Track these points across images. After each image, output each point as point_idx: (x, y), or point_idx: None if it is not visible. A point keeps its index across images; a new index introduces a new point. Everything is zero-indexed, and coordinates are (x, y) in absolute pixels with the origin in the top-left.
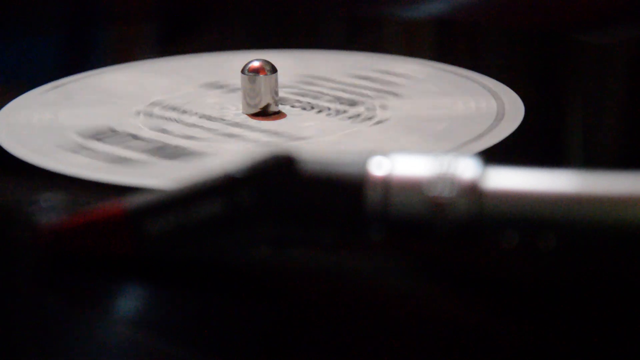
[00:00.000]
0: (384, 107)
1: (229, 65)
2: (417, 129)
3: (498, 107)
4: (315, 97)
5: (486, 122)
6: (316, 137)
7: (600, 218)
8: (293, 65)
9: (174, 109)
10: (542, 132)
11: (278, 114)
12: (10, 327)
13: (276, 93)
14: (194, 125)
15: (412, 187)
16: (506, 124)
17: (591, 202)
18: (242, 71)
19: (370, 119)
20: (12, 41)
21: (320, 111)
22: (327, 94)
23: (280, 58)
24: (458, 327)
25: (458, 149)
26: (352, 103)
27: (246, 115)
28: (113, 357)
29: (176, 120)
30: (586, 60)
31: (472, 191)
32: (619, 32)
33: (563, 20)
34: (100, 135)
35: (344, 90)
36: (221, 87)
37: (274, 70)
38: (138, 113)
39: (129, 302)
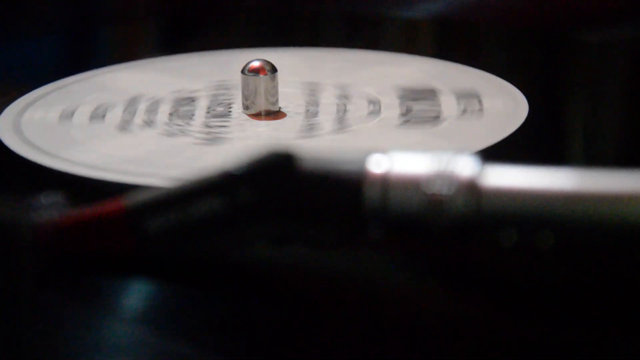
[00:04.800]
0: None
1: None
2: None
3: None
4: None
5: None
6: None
7: (599, 216)
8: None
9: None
10: (542, 131)
11: (277, 114)
12: (11, 326)
13: (276, 93)
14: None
15: (411, 185)
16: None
17: (590, 200)
18: (242, 71)
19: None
20: (14, 41)
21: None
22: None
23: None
24: (456, 324)
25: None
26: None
27: (246, 115)
28: (113, 354)
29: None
30: (586, 60)
31: (471, 189)
32: (619, 32)
33: (563, 19)
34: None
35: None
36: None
37: (274, 70)
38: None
39: (129, 300)
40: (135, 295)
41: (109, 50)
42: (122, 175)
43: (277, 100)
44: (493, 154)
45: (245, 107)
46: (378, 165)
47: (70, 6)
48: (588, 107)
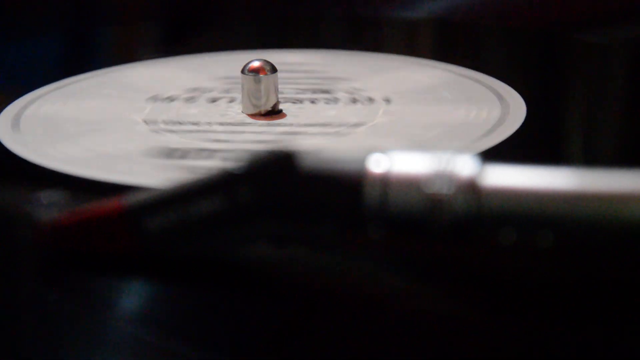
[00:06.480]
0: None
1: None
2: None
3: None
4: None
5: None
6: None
7: (599, 216)
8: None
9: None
10: (543, 131)
11: (279, 114)
12: (12, 325)
13: (277, 93)
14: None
15: (411, 185)
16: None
17: (590, 200)
18: (243, 71)
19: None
20: (14, 42)
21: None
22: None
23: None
24: (456, 324)
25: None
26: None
27: (247, 116)
28: (112, 354)
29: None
30: (587, 60)
31: (470, 188)
32: (619, 32)
33: (563, 20)
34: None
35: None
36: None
37: (274, 70)
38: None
39: (129, 299)
40: (135, 294)
41: (108, 50)
42: None
43: (277, 101)
44: (492, 154)
45: (245, 107)
46: (378, 164)
47: (69, 6)
48: (588, 107)
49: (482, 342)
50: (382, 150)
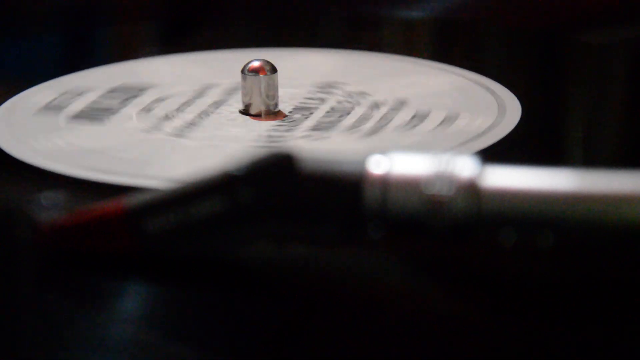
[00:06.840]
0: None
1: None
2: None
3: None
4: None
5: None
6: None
7: (599, 216)
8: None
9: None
10: (540, 132)
11: (277, 114)
12: (12, 325)
13: (275, 94)
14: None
15: (411, 186)
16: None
17: (590, 200)
18: (242, 71)
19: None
20: (10, 39)
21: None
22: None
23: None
24: (456, 324)
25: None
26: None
27: (245, 115)
28: (113, 354)
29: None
30: (586, 60)
31: (470, 189)
32: (619, 32)
33: (563, 20)
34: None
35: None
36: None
37: (274, 70)
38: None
39: (129, 300)
40: (135, 295)
41: (106, 49)
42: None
43: (276, 101)
44: (492, 155)
45: (245, 107)
46: (378, 165)
47: (68, 6)
48: (587, 107)
49: (482, 342)
50: (383, 151)
